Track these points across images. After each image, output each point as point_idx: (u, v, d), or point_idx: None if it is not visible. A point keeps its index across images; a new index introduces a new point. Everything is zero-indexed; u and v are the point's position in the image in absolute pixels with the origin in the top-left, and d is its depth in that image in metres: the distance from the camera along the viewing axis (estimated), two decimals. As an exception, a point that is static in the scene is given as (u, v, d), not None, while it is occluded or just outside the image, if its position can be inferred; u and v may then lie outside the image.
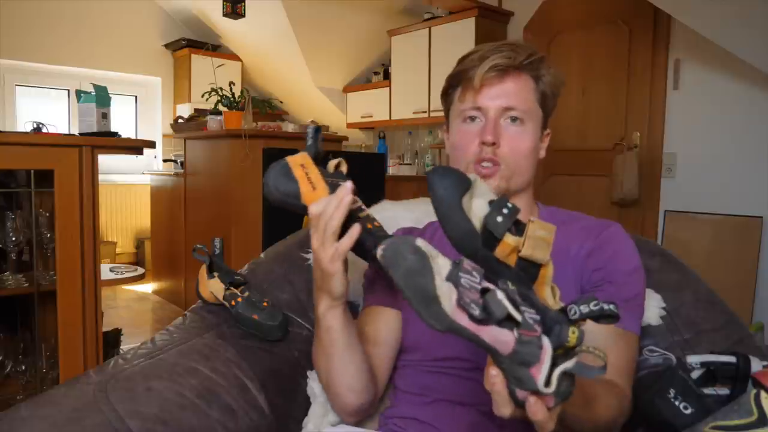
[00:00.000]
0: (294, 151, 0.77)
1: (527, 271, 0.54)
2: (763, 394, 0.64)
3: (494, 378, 0.50)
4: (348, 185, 0.71)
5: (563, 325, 0.47)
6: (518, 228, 0.56)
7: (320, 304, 0.78)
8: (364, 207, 0.74)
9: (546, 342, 0.47)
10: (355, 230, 0.71)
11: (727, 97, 2.81)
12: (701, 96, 2.90)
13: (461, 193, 0.58)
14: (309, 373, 1.00)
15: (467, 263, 0.51)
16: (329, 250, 0.71)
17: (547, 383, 0.46)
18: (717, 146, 2.86)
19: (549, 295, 0.54)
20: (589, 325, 0.56)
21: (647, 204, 3.11)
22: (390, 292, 0.90)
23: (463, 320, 0.48)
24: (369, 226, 0.72)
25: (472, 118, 0.87)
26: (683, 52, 2.95)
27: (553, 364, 0.47)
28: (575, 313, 0.49)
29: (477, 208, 0.58)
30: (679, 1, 2.51)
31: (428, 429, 0.81)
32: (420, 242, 0.52)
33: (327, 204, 0.71)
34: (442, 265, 0.51)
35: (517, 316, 0.48)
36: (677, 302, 0.98)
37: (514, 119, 0.85)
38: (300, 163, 0.75)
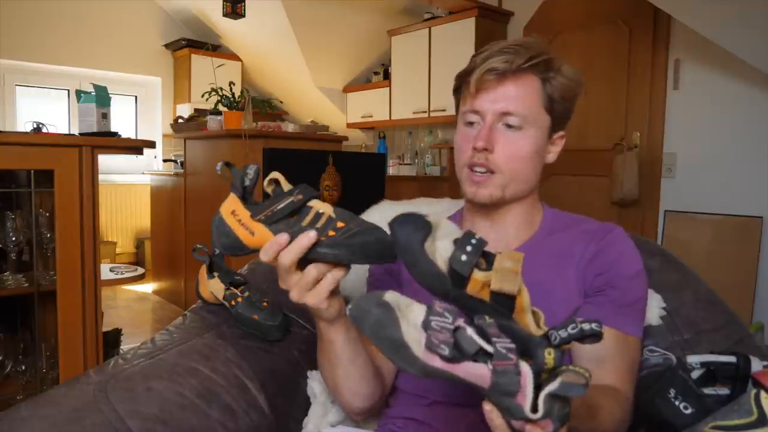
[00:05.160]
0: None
1: (502, 303, 0.54)
2: (763, 394, 0.64)
3: (489, 413, 0.50)
4: (281, 238, 0.66)
5: (539, 349, 0.48)
6: (488, 261, 0.57)
7: (318, 322, 0.77)
8: (320, 212, 0.67)
9: (525, 368, 0.48)
10: (296, 277, 0.69)
11: (727, 97, 2.80)
12: (701, 96, 2.90)
13: (422, 238, 0.58)
14: (309, 373, 1.00)
15: (438, 305, 0.51)
16: (293, 293, 0.70)
17: (535, 409, 0.47)
18: (717, 146, 2.86)
19: (531, 321, 0.54)
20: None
21: (647, 204, 3.11)
22: (394, 286, 0.90)
23: (435, 362, 0.49)
24: (322, 238, 0.66)
25: (471, 123, 0.85)
26: (683, 52, 2.95)
27: (539, 389, 0.47)
28: (555, 338, 0.49)
29: (442, 249, 0.58)
30: (679, 1, 2.51)
31: (427, 430, 0.81)
32: (389, 296, 0.53)
33: (265, 252, 0.67)
34: (417, 312, 0.52)
35: (489, 348, 0.48)
36: (677, 302, 0.98)
37: (510, 125, 0.82)
38: (231, 209, 0.71)
